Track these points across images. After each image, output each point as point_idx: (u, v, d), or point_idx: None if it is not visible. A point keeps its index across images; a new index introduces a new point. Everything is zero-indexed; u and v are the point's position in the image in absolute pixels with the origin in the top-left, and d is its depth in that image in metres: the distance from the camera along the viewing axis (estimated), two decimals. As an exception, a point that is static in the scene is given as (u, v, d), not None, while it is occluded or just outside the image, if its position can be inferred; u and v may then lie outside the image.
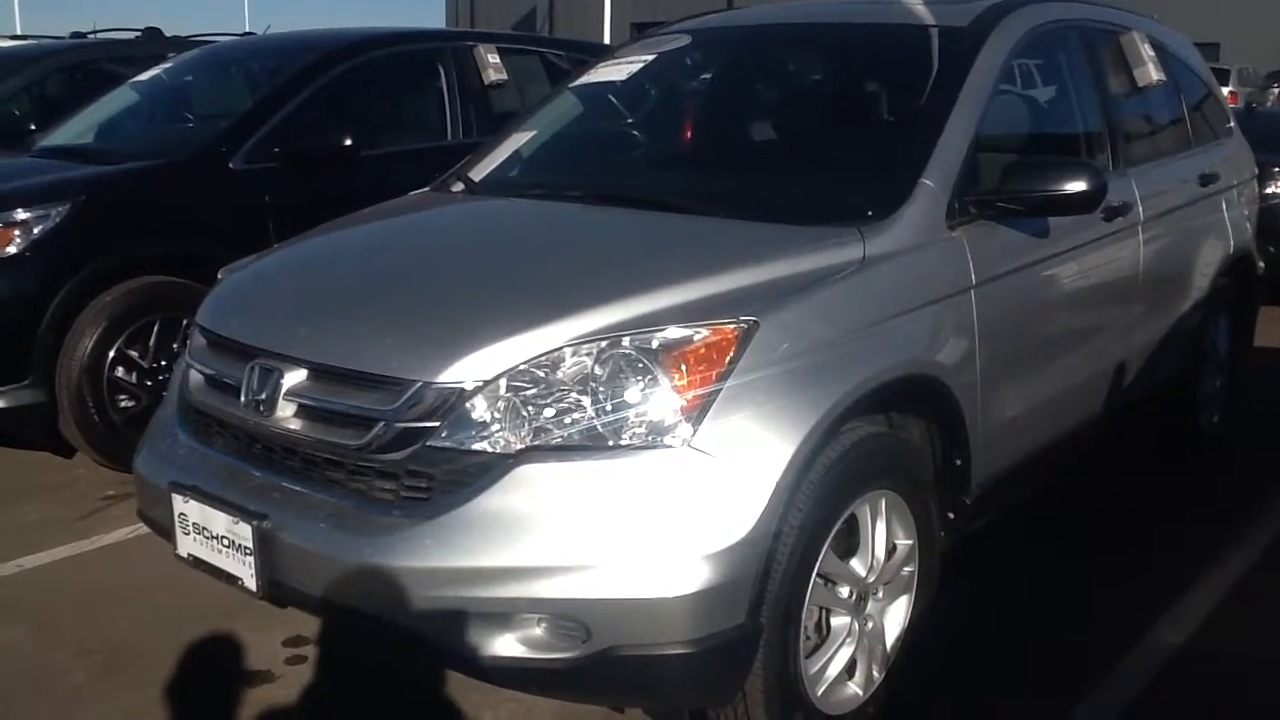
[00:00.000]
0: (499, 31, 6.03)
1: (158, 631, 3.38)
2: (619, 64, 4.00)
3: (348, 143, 5.06)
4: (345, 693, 3.10)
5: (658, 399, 2.34)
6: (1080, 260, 3.46)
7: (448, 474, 2.36)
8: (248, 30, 10.33)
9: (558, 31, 35.48)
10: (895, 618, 2.84)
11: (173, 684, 3.15)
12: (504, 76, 5.98)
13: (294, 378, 2.56)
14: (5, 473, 4.81)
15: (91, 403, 4.51)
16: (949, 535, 3.01)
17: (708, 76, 4.08)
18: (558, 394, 2.37)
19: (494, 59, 5.97)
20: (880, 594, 2.77)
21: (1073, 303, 3.48)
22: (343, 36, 5.87)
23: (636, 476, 2.30)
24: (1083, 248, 3.46)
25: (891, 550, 2.78)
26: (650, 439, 2.32)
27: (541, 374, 2.38)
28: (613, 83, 4.00)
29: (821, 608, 2.64)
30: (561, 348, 2.39)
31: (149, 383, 4.63)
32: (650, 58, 3.93)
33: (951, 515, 3.01)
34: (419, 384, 2.39)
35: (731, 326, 2.41)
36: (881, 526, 2.72)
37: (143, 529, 3.47)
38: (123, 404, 4.61)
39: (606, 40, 25.55)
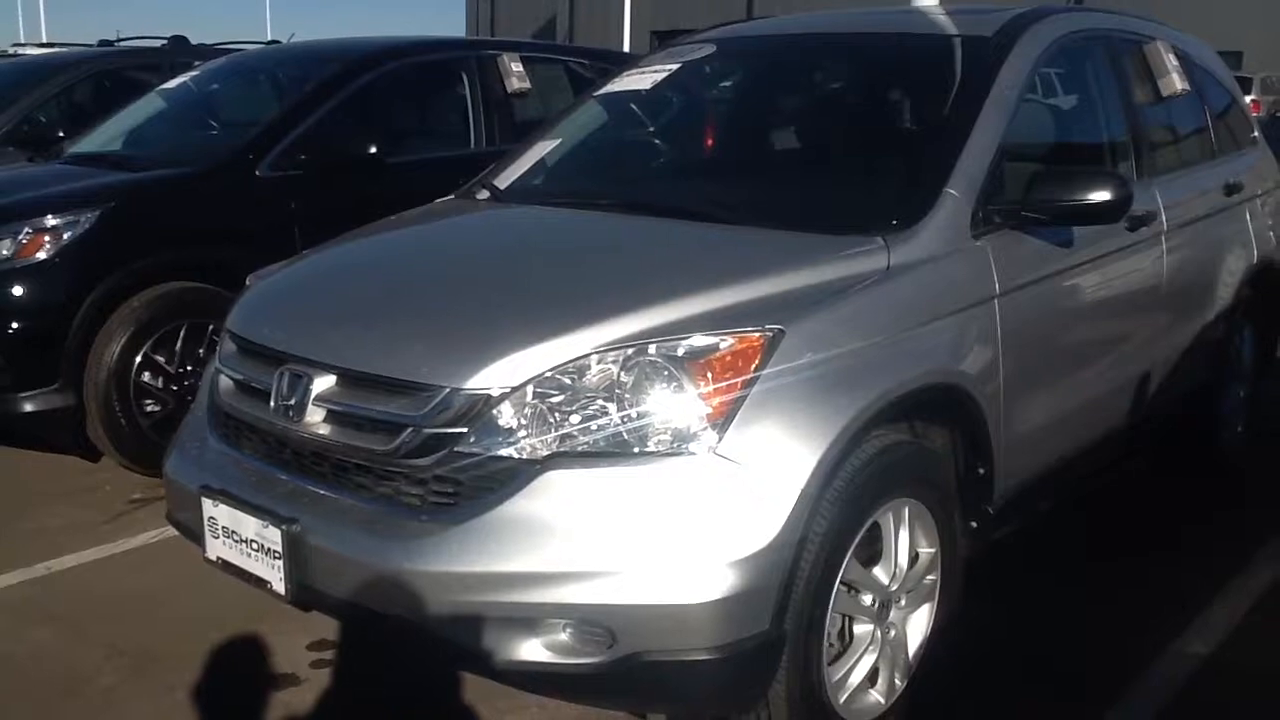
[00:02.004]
0: (523, 40, 6.05)
1: (185, 634, 3.41)
2: (644, 73, 4.02)
3: (373, 151, 5.10)
4: (370, 696, 3.12)
5: (683, 406, 2.36)
6: (1104, 270, 3.46)
7: (475, 480, 2.38)
8: (271, 39, 10.41)
9: (578, 40, 35.57)
10: (918, 626, 2.84)
11: (200, 687, 3.18)
12: (527, 85, 6.02)
13: (323, 383, 2.59)
14: (33, 476, 4.86)
15: (119, 407, 4.55)
16: (971, 544, 3.01)
17: (733, 85, 4.10)
18: (584, 401, 2.39)
19: (518, 68, 6.01)
20: (903, 602, 2.78)
21: (1096, 313, 3.48)
22: (368, 46, 5.93)
23: (662, 483, 2.32)
24: (1107, 257, 3.45)
25: (914, 559, 2.79)
26: (676, 446, 2.34)
27: (568, 381, 2.40)
28: (638, 91, 4.02)
29: (844, 615, 2.64)
30: (588, 355, 2.41)
31: (175, 388, 4.67)
32: (675, 67, 3.95)
33: (974, 524, 3.01)
34: (447, 390, 2.41)
35: (757, 334, 2.43)
36: (904, 535, 2.73)
37: (169, 532, 3.51)
38: (149, 408, 4.65)
39: (626, 48, 25.62)
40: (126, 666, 3.28)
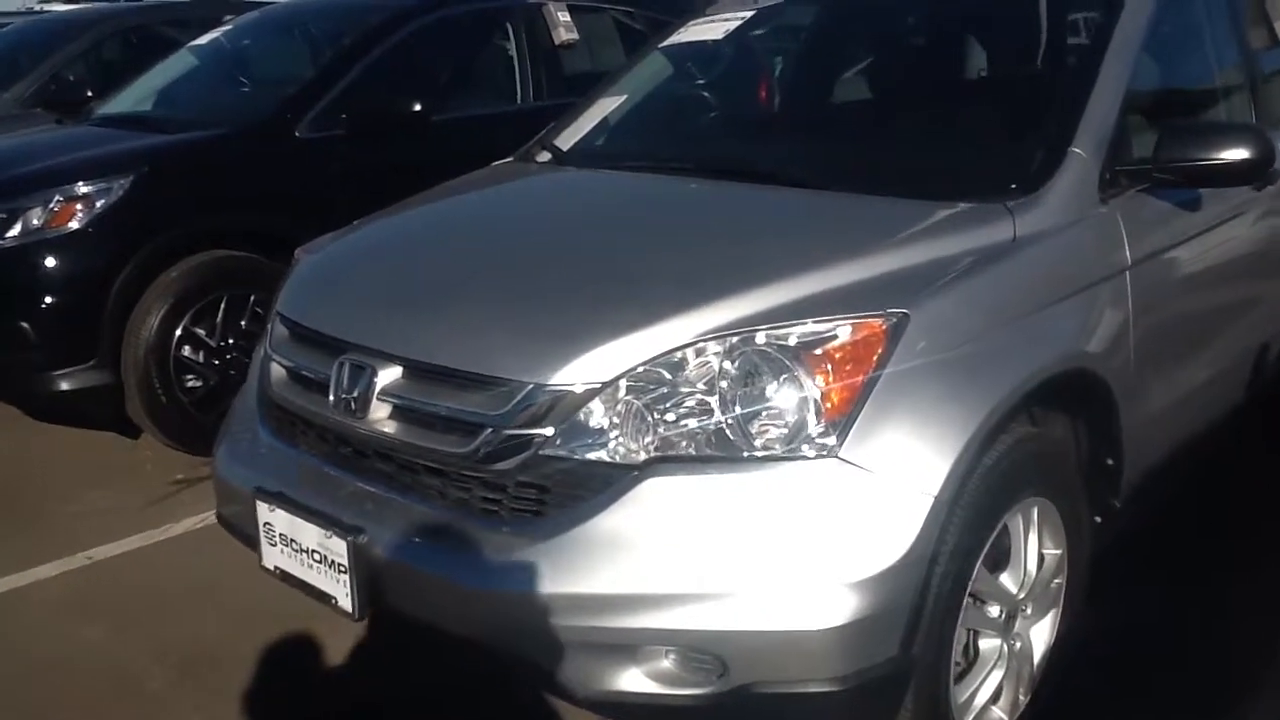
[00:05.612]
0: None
1: (234, 631, 3.21)
2: (713, 22, 3.69)
3: (417, 108, 4.82)
4: (433, 700, 2.90)
5: (798, 403, 2.09)
6: (1232, 233, 3.14)
7: (563, 487, 2.13)
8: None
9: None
10: (1042, 635, 2.57)
11: (251, 690, 3.00)
12: (575, 36, 5.72)
13: (388, 376, 2.33)
14: (70, 455, 4.68)
15: (158, 383, 4.36)
16: (1096, 541, 2.74)
17: (820, 34, 3.76)
18: (685, 397, 2.12)
19: (564, 17, 5.70)
20: (1029, 610, 2.51)
21: (1224, 280, 3.17)
22: (409, -3, 5.61)
23: (777, 491, 2.05)
24: (1235, 220, 3.14)
25: (1040, 562, 2.52)
26: (791, 449, 2.07)
27: (666, 375, 2.13)
28: (707, 42, 3.70)
29: (970, 630, 2.38)
30: (688, 345, 2.14)
31: (216, 362, 4.47)
32: (748, 14, 3.62)
33: (1099, 519, 2.73)
34: (530, 386, 2.14)
35: (879, 320, 2.14)
36: (1034, 537, 2.46)
37: (213, 517, 3.30)
38: (190, 384, 4.44)
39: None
40: (175, 668, 3.10)
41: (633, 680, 2.05)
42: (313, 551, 2.34)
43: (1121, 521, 2.88)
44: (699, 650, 2.02)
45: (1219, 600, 3.25)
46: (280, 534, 2.43)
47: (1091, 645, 2.73)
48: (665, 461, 2.09)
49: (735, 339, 2.14)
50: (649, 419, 2.11)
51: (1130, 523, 2.93)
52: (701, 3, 3.82)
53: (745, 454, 2.08)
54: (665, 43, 3.82)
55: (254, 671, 3.06)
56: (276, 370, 2.66)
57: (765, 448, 2.08)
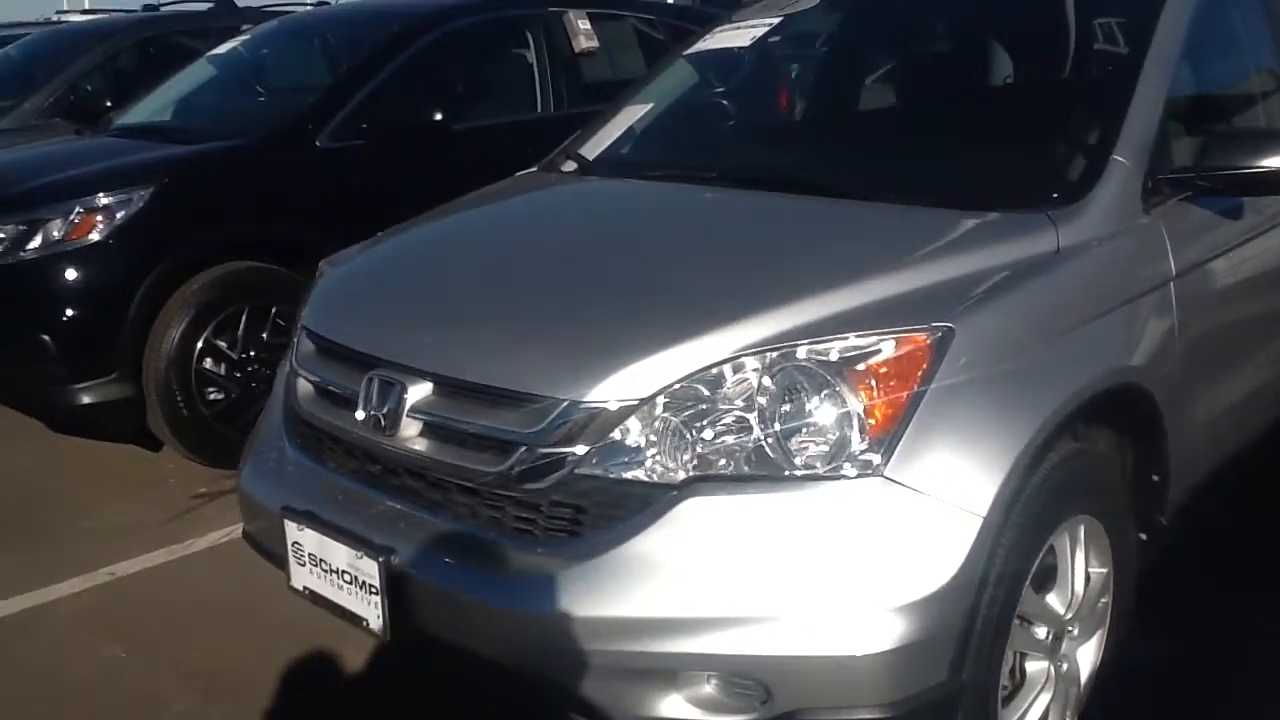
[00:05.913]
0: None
1: (260, 649, 3.16)
2: (740, 28, 3.64)
3: (438, 118, 4.78)
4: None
5: (840, 420, 2.03)
6: (1273, 241, 3.07)
7: (599, 507, 2.07)
8: (321, 0, 10.07)
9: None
10: (1088, 656, 2.51)
11: (278, 711, 2.94)
12: (595, 44, 5.67)
13: (419, 392, 2.27)
14: (93, 469, 4.63)
15: (180, 396, 4.32)
16: (1142, 559, 2.67)
17: (849, 39, 3.69)
18: (725, 415, 2.06)
19: (585, 25, 5.66)
20: (1076, 631, 2.44)
21: (1266, 288, 3.09)
22: (427, 5, 5.57)
23: (821, 512, 1.99)
24: (1276, 229, 3.07)
25: (1086, 582, 2.45)
26: (833, 468, 2.01)
27: (704, 391, 2.08)
28: (733, 50, 3.64)
29: (1017, 652, 2.31)
30: (725, 361, 2.08)
31: (238, 374, 4.43)
32: (776, 20, 3.56)
33: (1144, 537, 2.66)
34: (565, 403, 2.09)
35: (924, 334, 2.08)
36: (1080, 557, 2.39)
37: (236, 532, 3.25)
38: (212, 397, 4.40)
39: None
40: (200, 690, 3.04)
41: (674, 706, 2.00)
42: (343, 572, 2.29)
43: (1168, 538, 2.81)
44: (742, 676, 1.97)
45: (1270, 617, 3.17)
46: (309, 554, 2.37)
47: (1139, 665, 2.66)
48: (704, 481, 2.03)
49: (774, 354, 2.08)
50: (687, 437, 2.06)
51: (1176, 539, 2.86)
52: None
53: (786, 473, 2.02)
54: (690, 50, 3.76)
55: (280, 692, 3.00)
56: (303, 386, 2.61)
57: (807, 466, 2.02)
